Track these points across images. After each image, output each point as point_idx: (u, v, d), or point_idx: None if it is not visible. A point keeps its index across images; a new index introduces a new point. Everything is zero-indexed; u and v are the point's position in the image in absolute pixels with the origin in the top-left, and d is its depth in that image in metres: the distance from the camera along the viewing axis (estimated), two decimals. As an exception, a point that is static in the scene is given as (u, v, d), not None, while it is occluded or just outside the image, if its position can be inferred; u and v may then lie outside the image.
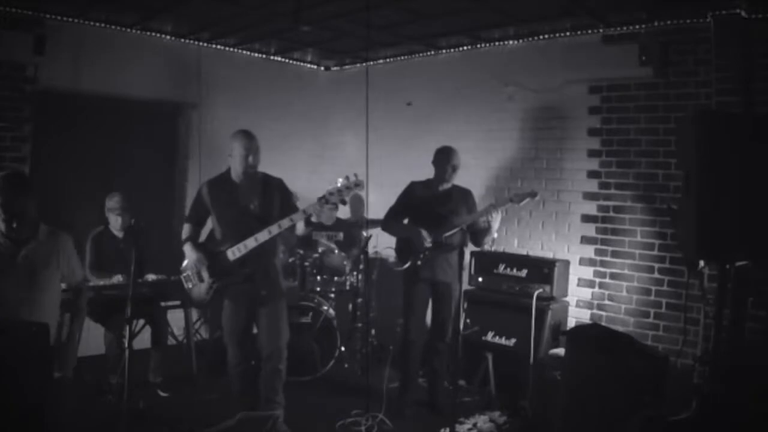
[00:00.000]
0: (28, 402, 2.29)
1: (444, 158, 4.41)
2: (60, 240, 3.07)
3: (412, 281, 4.45)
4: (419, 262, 4.37)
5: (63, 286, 3.23)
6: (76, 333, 3.20)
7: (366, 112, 3.49)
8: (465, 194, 4.53)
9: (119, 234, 4.61)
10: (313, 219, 3.69)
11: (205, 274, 3.78)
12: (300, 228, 3.82)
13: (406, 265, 4.46)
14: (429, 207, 4.40)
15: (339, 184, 3.57)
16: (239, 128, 3.84)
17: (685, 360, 4.04)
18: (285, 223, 3.59)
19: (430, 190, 4.48)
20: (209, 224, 4.02)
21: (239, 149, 3.72)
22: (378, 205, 4.63)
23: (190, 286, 3.86)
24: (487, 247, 4.74)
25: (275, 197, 3.81)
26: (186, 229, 3.93)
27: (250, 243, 3.64)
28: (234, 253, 3.69)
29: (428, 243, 4.29)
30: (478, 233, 4.34)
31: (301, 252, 5.43)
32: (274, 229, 3.61)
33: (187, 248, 3.83)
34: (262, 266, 3.77)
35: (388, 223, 4.59)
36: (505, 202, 4.31)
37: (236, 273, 3.73)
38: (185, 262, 3.89)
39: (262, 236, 3.63)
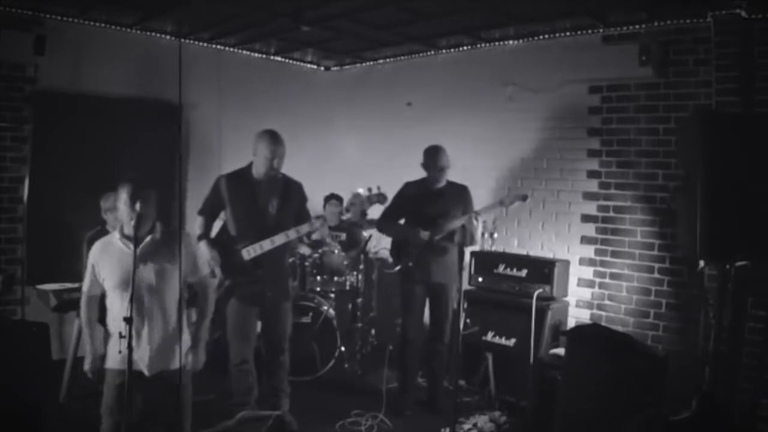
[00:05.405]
0: (28, 402, 2.29)
1: (431, 160, 4.38)
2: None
3: (408, 282, 4.45)
4: (410, 264, 4.37)
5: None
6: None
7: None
8: (460, 191, 4.50)
9: None
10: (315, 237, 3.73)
11: (217, 271, 3.76)
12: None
13: (398, 267, 4.46)
14: (421, 207, 4.38)
15: (361, 194, 3.64)
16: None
17: (685, 360, 4.04)
18: (303, 229, 3.67)
19: (423, 190, 4.45)
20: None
21: (264, 151, 3.71)
22: (376, 207, 4.62)
23: None
24: (487, 247, 4.74)
25: (294, 202, 3.85)
26: (200, 223, 3.91)
27: (267, 245, 3.68)
28: (249, 252, 3.72)
29: (425, 237, 4.27)
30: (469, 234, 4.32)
31: (301, 252, 5.42)
32: (292, 234, 3.67)
33: (202, 245, 3.81)
34: (273, 268, 3.80)
35: (383, 224, 4.60)
36: (492, 207, 4.32)
37: (249, 273, 3.74)
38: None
39: (279, 239, 3.67)
